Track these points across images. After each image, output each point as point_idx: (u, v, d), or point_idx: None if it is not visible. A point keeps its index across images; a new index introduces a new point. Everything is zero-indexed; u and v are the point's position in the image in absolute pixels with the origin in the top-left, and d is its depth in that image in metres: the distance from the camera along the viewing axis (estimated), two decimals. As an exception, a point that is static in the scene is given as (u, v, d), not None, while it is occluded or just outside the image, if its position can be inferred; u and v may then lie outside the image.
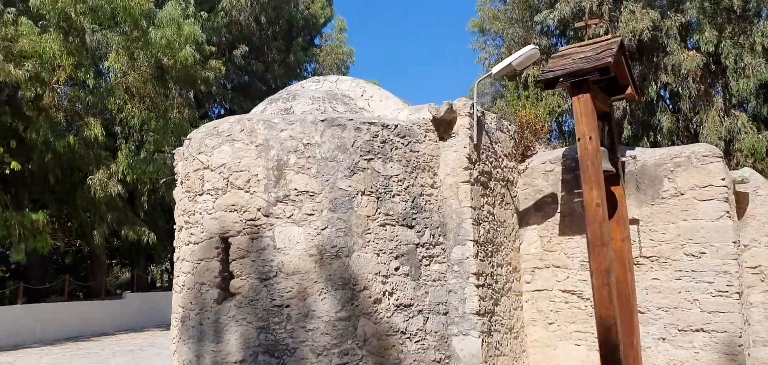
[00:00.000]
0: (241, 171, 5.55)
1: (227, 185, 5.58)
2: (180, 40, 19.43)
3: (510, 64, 6.21)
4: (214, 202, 5.63)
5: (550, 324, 6.92)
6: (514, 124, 7.54)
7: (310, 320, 5.22)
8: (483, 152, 6.48)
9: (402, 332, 5.58)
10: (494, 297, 6.34)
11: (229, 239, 5.49)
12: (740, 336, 5.81)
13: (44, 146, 16.48)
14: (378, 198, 5.65)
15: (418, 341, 5.69)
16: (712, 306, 5.96)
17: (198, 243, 5.69)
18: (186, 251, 5.85)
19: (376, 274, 5.50)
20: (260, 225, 5.42)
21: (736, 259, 5.91)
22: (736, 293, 5.87)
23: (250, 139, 5.60)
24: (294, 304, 5.26)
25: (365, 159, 5.65)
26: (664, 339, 6.21)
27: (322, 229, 5.38)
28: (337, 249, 5.37)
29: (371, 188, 5.62)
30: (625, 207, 6.24)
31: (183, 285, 5.84)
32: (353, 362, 5.22)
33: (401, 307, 5.61)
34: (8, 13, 15.68)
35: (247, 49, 26.70)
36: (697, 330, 6.03)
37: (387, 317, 5.50)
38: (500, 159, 6.90)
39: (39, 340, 18.12)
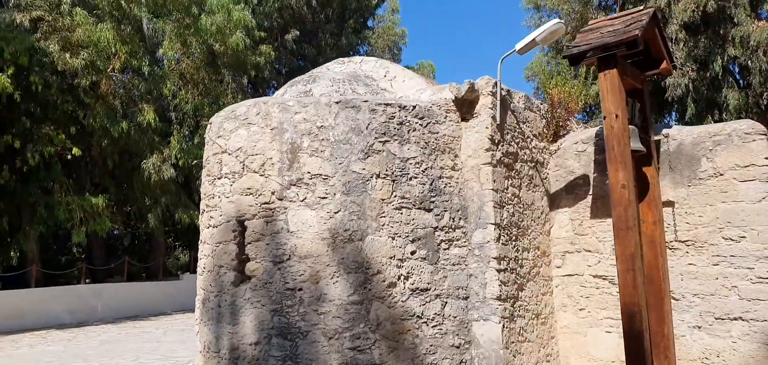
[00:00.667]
0: (257, 155, 5.59)
1: (243, 168, 5.64)
2: (230, 26, 19.87)
3: (534, 39, 5.95)
4: (232, 185, 5.71)
5: (580, 310, 6.67)
6: (545, 102, 7.25)
7: (322, 303, 5.23)
8: (508, 133, 6.27)
9: (418, 316, 5.50)
10: (518, 281, 6.15)
11: (246, 223, 5.56)
12: (783, 327, 5.41)
13: (102, 132, 17.24)
14: (394, 181, 5.57)
15: (435, 326, 5.60)
16: (751, 294, 5.57)
17: (217, 227, 5.79)
18: (207, 234, 5.97)
19: (391, 258, 5.44)
20: (274, 209, 5.45)
21: (779, 244, 5.48)
22: (780, 280, 5.45)
23: (265, 122, 5.63)
24: (306, 287, 5.27)
25: (380, 141, 5.57)
26: (699, 328, 5.86)
27: (335, 212, 5.36)
28: (350, 233, 5.34)
29: (386, 170, 5.54)
30: (657, 189, 5.90)
31: (204, 268, 5.97)
32: (365, 346, 5.19)
33: (417, 291, 5.53)
34: (65, 3, 16.41)
35: (298, 33, 26.96)
36: (736, 319, 5.65)
37: (402, 301, 5.43)
38: (528, 140, 6.66)
39: (100, 319, 19.15)
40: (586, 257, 6.64)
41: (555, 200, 6.97)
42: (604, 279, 6.51)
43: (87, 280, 22.49)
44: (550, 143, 7.09)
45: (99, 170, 19.75)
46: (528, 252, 6.44)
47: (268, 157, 5.55)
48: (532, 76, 28.06)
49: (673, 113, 24.97)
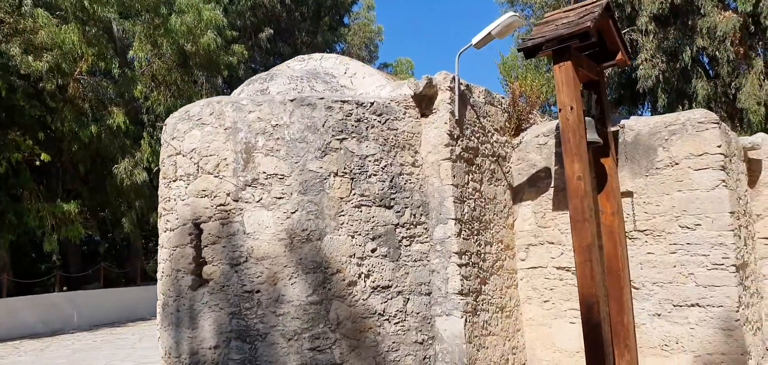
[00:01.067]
0: (211, 155, 5.53)
1: (198, 170, 5.56)
2: (201, 26, 19.63)
3: (489, 33, 5.95)
4: (187, 188, 5.63)
5: (544, 302, 6.70)
6: (507, 96, 7.27)
7: (280, 305, 5.18)
8: (467, 127, 6.26)
9: (379, 314, 5.48)
10: (481, 275, 6.16)
11: (201, 225, 5.49)
12: (737, 311, 5.48)
13: (71, 136, 16.95)
14: (352, 179, 5.54)
15: (397, 322, 5.58)
16: (707, 280, 5.64)
17: (173, 230, 5.71)
18: (164, 238, 5.89)
19: (351, 256, 5.41)
20: (230, 210, 5.39)
21: (732, 230, 5.55)
22: (733, 265, 5.53)
23: (218, 122, 5.56)
24: (264, 289, 5.22)
25: (338, 139, 5.53)
26: (659, 315, 5.92)
27: (292, 212, 5.31)
28: (308, 233, 5.30)
29: (345, 168, 5.51)
30: (615, 180, 5.94)
31: (163, 272, 5.89)
32: (325, 346, 5.16)
33: (378, 289, 5.51)
34: (26, 4, 16.08)
35: (272, 31, 26.75)
36: (693, 305, 5.72)
37: (363, 299, 5.41)
38: (489, 134, 6.67)
39: (76, 327, 18.85)
40: (550, 250, 6.68)
41: (518, 194, 6.99)
42: (567, 270, 6.55)
43: (64, 288, 22.13)
44: (513, 137, 7.11)
45: (70, 176, 19.43)
46: (491, 246, 6.45)
47: (223, 157, 5.48)
48: (505, 71, 28.26)
49: (646, 105, 25.32)
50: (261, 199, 5.34)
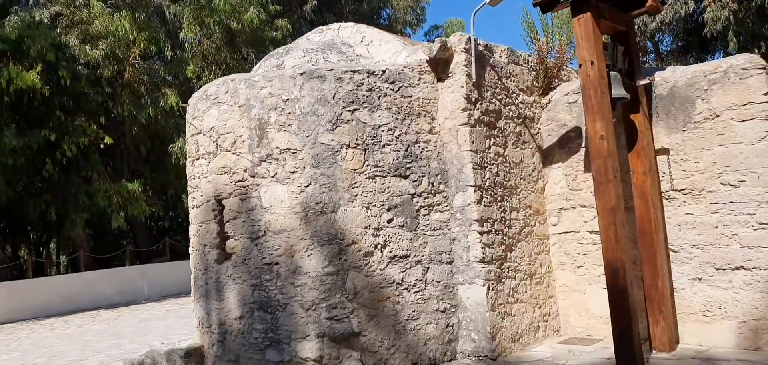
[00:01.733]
0: (228, 133, 5.58)
1: (217, 148, 5.64)
2: (244, 2, 19.86)
3: None
4: (208, 165, 5.74)
5: (578, 267, 6.43)
6: (533, 54, 6.93)
7: (297, 276, 5.22)
8: (488, 90, 6.02)
9: (398, 283, 5.43)
10: (506, 242, 5.97)
11: (223, 201, 5.59)
12: (787, 273, 5.05)
13: (130, 119, 17.72)
14: (365, 150, 5.45)
15: (417, 291, 5.51)
16: (753, 241, 5.21)
17: (199, 207, 5.85)
18: (192, 214, 6.05)
19: (366, 227, 5.36)
20: (248, 186, 5.45)
21: (780, 186, 5.08)
22: (781, 224, 5.07)
23: (233, 100, 5.60)
24: (282, 261, 5.27)
25: (349, 110, 5.45)
26: (700, 279, 5.54)
27: (306, 186, 5.30)
28: (322, 205, 5.28)
29: (357, 139, 5.43)
30: (646, 137, 5.55)
31: (193, 247, 6.06)
32: (343, 315, 5.17)
33: (396, 258, 5.45)
34: (80, -2, 16.78)
35: (316, 2, 26.72)
36: (737, 268, 5.31)
37: (380, 269, 5.36)
38: (514, 95, 6.39)
39: (147, 297, 19.95)
40: (582, 213, 6.38)
41: (548, 156, 6.69)
42: (600, 234, 6.23)
43: (137, 262, 23.44)
44: (541, 97, 6.79)
45: (133, 157, 20.37)
46: (517, 212, 6.22)
47: (238, 134, 5.53)
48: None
49: (719, 51, 23.58)
50: (276, 174, 5.36)
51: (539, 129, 6.72)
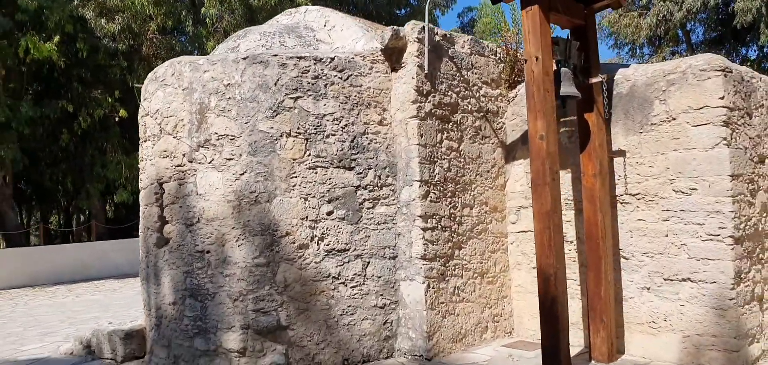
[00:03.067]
0: (171, 116, 5.56)
1: (160, 131, 5.63)
2: (265, -22, 19.83)
3: None
4: (153, 148, 5.74)
5: (534, 268, 6.21)
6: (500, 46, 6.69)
7: (227, 266, 5.19)
8: (443, 82, 5.84)
9: (334, 277, 5.35)
10: (455, 239, 5.82)
11: (164, 186, 5.58)
12: (733, 288, 4.77)
13: (144, 93, 17.96)
14: (307, 139, 5.36)
15: (354, 286, 5.43)
16: (701, 252, 4.95)
17: (144, 189, 5.86)
18: (140, 197, 6.06)
19: (303, 219, 5.28)
20: (186, 171, 5.43)
21: (731, 196, 4.79)
22: (730, 237, 4.79)
23: (178, 82, 5.56)
24: (213, 250, 5.25)
25: (292, 98, 5.35)
26: (648, 289, 5.31)
27: (241, 174, 5.25)
28: (257, 195, 5.22)
29: (298, 128, 5.33)
30: (599, 137, 5.30)
31: (140, 230, 6.09)
32: (270, 308, 5.12)
33: (334, 252, 5.36)
34: (99, -31, 17.02)
35: (341, -21, 26.48)
36: (684, 280, 5.06)
37: (315, 262, 5.29)
38: (475, 88, 6.18)
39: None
40: (540, 212, 6.16)
41: (511, 152, 6.48)
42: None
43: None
44: (508, 90, 6.55)
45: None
46: (471, 209, 6.05)
47: (180, 118, 5.50)
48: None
49: (753, 46, 22.50)
50: (212, 160, 5.32)
51: (504, 124, 6.50)
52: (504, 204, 6.45)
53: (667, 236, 5.17)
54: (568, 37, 5.35)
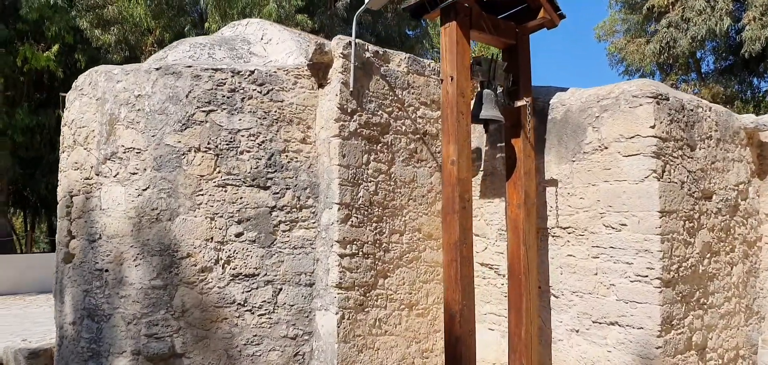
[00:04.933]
0: (83, 127, 5.34)
1: (74, 142, 5.42)
2: (265, -5, 19.84)
3: None
4: (67, 159, 5.52)
5: (469, 302, 5.84)
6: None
7: (123, 286, 4.91)
8: (372, 101, 5.52)
9: (239, 304, 5.02)
10: (378, 267, 5.46)
11: (73, 199, 5.35)
12: (659, 336, 4.33)
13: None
14: (218, 155, 5.08)
15: (262, 314, 5.10)
16: (629, 294, 4.53)
17: (59, 202, 5.64)
18: (57, 209, 5.84)
19: (208, 240, 4.98)
20: (92, 185, 5.19)
21: (660, 234, 4.37)
22: (658, 279, 4.36)
23: (93, 92, 5.35)
24: (112, 269, 4.98)
25: (203, 111, 5.09)
26: (576, 331, 4.89)
27: (144, 189, 4.98)
28: (158, 212, 4.94)
29: (208, 143, 5.06)
30: (525, 165, 4.93)
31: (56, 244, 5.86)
32: (164, 333, 4.81)
33: (240, 277, 5.05)
34: (97, -21, 17.16)
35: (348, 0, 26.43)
36: (612, 323, 4.64)
37: (219, 287, 4.98)
38: (411, 108, 5.85)
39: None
40: (475, 242, 5.77)
41: (451, 176, 6.11)
42: (490, 267, 5.65)
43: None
44: (451, 111, 6.20)
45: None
46: (401, 235, 5.69)
47: (92, 129, 5.27)
48: (604, 35, 25.84)
49: (767, 76, 21.75)
50: (117, 174, 5.07)
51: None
52: (441, 232, 6.07)
53: (596, 274, 4.76)
54: (493, 56, 5.01)
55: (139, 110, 5.10)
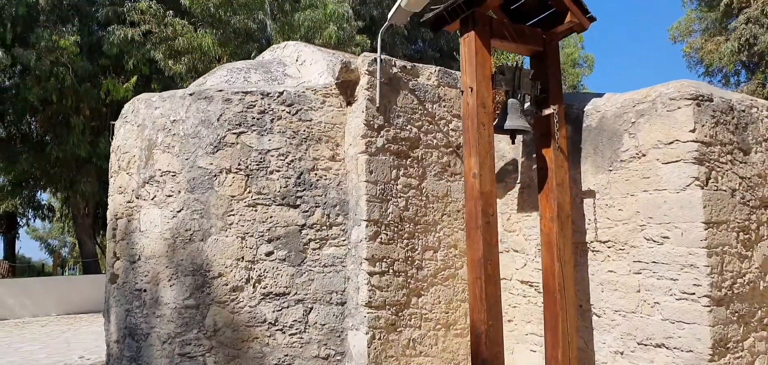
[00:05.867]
0: (126, 153, 5.59)
1: (119, 167, 5.67)
2: (324, 18, 20.31)
3: (399, 5, 5.02)
4: (113, 184, 5.79)
5: (508, 321, 5.59)
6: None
7: (159, 306, 5.06)
8: (400, 115, 5.44)
9: (270, 323, 5.05)
10: (411, 285, 5.34)
11: (118, 221, 5.59)
12: (711, 360, 3.94)
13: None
14: (248, 175, 5.16)
15: (294, 334, 5.10)
16: (674, 313, 4.15)
17: (108, 225, 5.92)
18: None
19: (239, 260, 5.06)
20: (133, 208, 5.40)
21: (706, 248, 3.99)
22: (706, 297, 3.97)
23: (134, 119, 5.60)
24: (149, 289, 5.14)
25: (234, 133, 5.20)
26: (621, 353, 4.54)
27: (178, 211, 5.13)
28: (191, 233, 5.07)
29: (239, 164, 5.15)
30: (558, 176, 4.67)
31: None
32: (197, 353, 4.91)
33: (271, 296, 5.08)
34: (168, 16, 18.19)
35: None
36: (658, 346, 4.27)
37: (250, 306, 5.03)
38: (442, 122, 5.72)
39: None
40: (514, 259, 5.54)
41: (488, 190, 5.90)
42: (530, 285, 5.38)
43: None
44: (488, 123, 6.00)
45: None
46: (435, 252, 5.55)
47: (133, 154, 5.51)
48: (679, 36, 24.54)
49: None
50: (155, 197, 5.26)
51: (480, 160, 5.95)
52: (480, 248, 5.86)
53: (639, 291, 4.41)
54: (517, 64, 4.79)
55: (174, 134, 5.27)
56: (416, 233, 5.45)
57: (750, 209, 4.34)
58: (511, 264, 5.55)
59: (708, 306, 3.98)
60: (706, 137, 4.11)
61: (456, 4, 4.39)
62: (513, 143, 4.78)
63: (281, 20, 20.67)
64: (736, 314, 4.14)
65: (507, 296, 5.60)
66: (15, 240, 28.58)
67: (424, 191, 5.54)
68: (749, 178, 4.38)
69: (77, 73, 18.51)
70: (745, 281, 4.23)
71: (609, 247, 4.63)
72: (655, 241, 4.28)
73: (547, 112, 4.64)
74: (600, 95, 4.99)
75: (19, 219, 27.24)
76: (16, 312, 16.48)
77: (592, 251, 4.76)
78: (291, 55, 6.51)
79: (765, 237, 4.42)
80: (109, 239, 5.77)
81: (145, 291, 5.18)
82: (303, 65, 6.27)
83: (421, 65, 5.74)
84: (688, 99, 4.12)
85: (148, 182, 5.32)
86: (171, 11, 18.48)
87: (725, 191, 4.18)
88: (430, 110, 5.65)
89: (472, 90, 4.31)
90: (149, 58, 18.82)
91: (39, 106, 19.12)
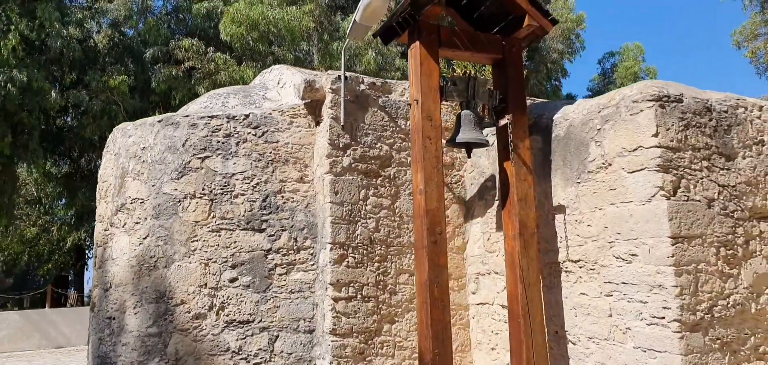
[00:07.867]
0: (104, 182, 5.68)
1: (100, 196, 5.77)
2: (364, 45, 20.44)
3: (355, 21, 4.84)
4: (97, 213, 5.88)
5: (492, 349, 5.21)
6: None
7: (124, 334, 5.04)
8: (369, 133, 5.25)
9: (234, 352, 4.92)
10: (383, 312, 5.08)
11: (98, 249, 5.67)
12: (682, 396, 3.45)
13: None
14: (212, 200, 5.10)
15: (258, 363, 4.94)
16: (646, 340, 3.70)
17: (93, 256, 6.01)
18: (96, 260, 6.23)
19: (201, 286, 4.98)
20: (108, 235, 5.45)
21: (674, 265, 3.53)
22: (676, 320, 3.51)
23: (113, 147, 5.69)
24: (117, 317, 5.14)
25: (199, 158, 5.16)
26: (595, 386, 4.08)
27: (144, 238, 5.12)
28: (156, 259, 5.04)
29: (203, 189, 5.11)
30: (518, 191, 4.30)
31: (97, 292, 6.24)
32: (158, 381, 4.83)
33: (235, 323, 4.96)
34: (210, 51, 18.85)
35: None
36: (629, 378, 3.80)
37: (213, 334, 4.92)
38: (419, 138, 5.46)
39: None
40: (495, 281, 5.18)
41: (470, 209, 5.59)
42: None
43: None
44: (469, 138, 5.70)
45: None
46: (410, 276, 5.26)
47: (110, 183, 5.58)
48: (743, 41, 23.15)
49: None
50: (125, 224, 5.28)
51: (462, 177, 5.65)
52: (463, 270, 5.53)
53: (610, 316, 3.97)
54: (468, 73, 4.50)
55: (143, 161, 5.30)
56: (389, 256, 5.20)
57: (735, 222, 3.83)
58: (493, 287, 5.19)
59: (678, 332, 3.51)
60: (672, 141, 3.67)
61: (402, 16, 4.17)
62: (469, 157, 4.47)
63: (322, 50, 20.97)
64: (718, 341, 3.63)
65: (489, 322, 5.22)
66: (83, 271, 30.14)
67: (397, 211, 5.29)
68: (733, 186, 3.87)
69: (128, 110, 19.43)
70: (728, 303, 3.71)
71: (580, 267, 4.21)
72: (623, 259, 3.85)
73: (502, 122, 4.31)
74: (572, 102, 4.61)
75: (87, 252, 28.75)
76: (72, 341, 17.10)
77: (565, 271, 4.35)
78: (274, 79, 6.46)
79: (757, 253, 3.88)
80: (95, 268, 5.84)
81: (114, 318, 5.18)
82: (283, 87, 6.20)
83: (393, 81, 5.55)
84: (650, 100, 3.70)
85: (120, 210, 5.36)
86: (212, 47, 19.13)
87: (699, 201, 3.71)
88: (402, 126, 5.42)
89: (418, 102, 4.07)
90: (195, 93, 19.54)
91: (97, 143, 20.20)
